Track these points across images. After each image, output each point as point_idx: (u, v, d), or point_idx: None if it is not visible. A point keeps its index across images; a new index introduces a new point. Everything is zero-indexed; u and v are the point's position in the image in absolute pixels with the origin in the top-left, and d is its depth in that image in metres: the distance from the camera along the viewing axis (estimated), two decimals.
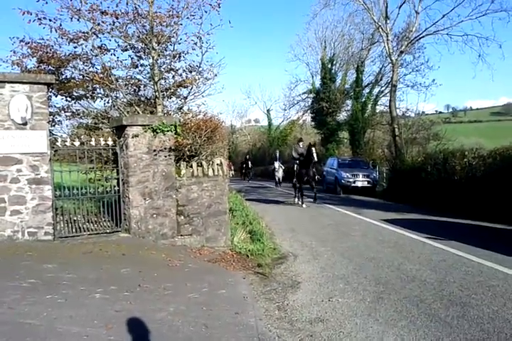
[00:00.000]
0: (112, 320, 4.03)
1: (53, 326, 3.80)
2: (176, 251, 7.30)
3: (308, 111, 33.47)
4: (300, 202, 15.13)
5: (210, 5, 8.47)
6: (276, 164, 25.27)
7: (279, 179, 24.70)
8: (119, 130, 7.82)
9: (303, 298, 5.24)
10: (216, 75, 9.19)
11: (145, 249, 6.99)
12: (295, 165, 15.45)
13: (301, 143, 15.63)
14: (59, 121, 9.72)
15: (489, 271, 6.03)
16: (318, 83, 31.65)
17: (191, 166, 8.11)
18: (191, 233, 8.05)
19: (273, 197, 18.98)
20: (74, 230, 7.64)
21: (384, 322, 4.34)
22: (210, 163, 8.33)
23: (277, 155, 26.69)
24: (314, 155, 14.04)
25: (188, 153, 8.06)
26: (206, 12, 8.56)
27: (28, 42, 8.73)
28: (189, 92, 9.31)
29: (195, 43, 9.21)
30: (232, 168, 27.14)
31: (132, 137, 7.47)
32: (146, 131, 7.53)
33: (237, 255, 7.60)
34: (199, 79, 9.28)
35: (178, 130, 7.80)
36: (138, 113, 9.37)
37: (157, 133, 7.56)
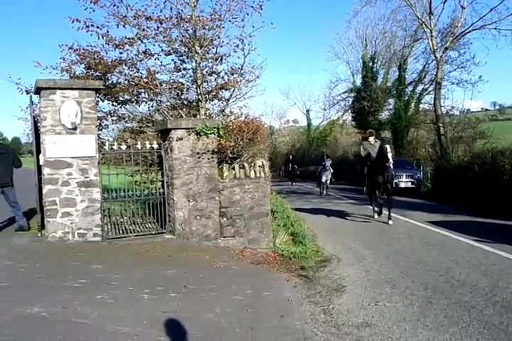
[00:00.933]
0: (161, 320, 4.11)
1: (104, 326, 3.92)
2: (219, 252, 7.38)
3: (349, 111, 33.02)
4: (377, 215, 11.76)
5: (252, 7, 8.51)
6: (328, 163, 20.20)
7: (325, 183, 19.86)
8: (164, 133, 7.98)
9: (348, 302, 5.18)
10: (258, 77, 9.24)
11: (189, 250, 7.10)
12: (364, 168, 11.96)
13: (371, 139, 11.79)
14: (106, 125, 10.00)
15: None
16: (359, 82, 31.20)
17: (233, 168, 8.16)
18: (234, 235, 8.11)
19: (334, 206, 15.16)
20: (121, 232, 7.85)
21: (434, 328, 4.23)
22: (252, 164, 8.36)
23: (325, 153, 21.60)
24: (389, 155, 10.59)
25: (230, 155, 8.12)
26: (248, 14, 8.61)
27: (77, 49, 9.02)
28: (231, 95, 9.39)
29: (237, 45, 9.27)
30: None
31: (177, 140, 7.60)
32: (189, 134, 7.65)
33: (279, 257, 7.59)
34: (241, 81, 9.32)
35: (220, 132, 7.87)
36: (181, 116, 9.51)
37: (200, 136, 7.66)
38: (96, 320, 4.02)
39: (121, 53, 9.46)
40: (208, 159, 7.80)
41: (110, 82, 9.75)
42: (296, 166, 31.79)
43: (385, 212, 11.25)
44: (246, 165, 8.24)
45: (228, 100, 9.48)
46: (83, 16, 8.72)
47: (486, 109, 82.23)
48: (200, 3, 8.85)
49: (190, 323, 4.14)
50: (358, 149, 31.68)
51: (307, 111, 44.22)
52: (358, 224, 10.95)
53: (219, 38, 9.23)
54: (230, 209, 8.07)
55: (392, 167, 10.99)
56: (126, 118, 10.17)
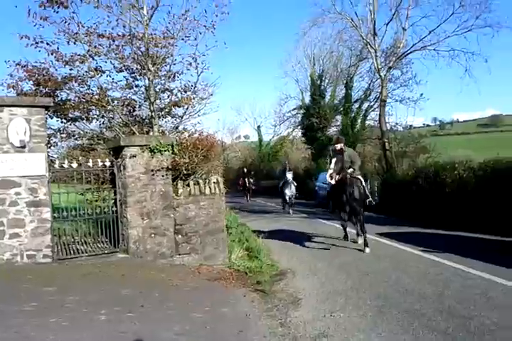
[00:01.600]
0: None
1: None
2: (175, 270, 7.33)
3: (299, 127, 33.75)
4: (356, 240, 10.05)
5: (205, 26, 8.67)
6: (289, 176, 18.39)
7: (291, 198, 18.30)
8: (117, 151, 7.90)
9: (305, 314, 5.30)
10: (212, 95, 9.36)
11: (144, 269, 7.01)
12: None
13: (339, 145, 9.19)
14: (54, 142, 9.77)
15: (487, 282, 6.13)
16: (307, 99, 32.00)
17: (188, 185, 8.19)
18: (189, 252, 8.09)
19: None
20: (72, 252, 7.63)
21: (387, 336, 4.41)
22: (207, 181, 8.42)
23: (288, 165, 19.72)
24: (357, 163, 9.35)
25: (184, 172, 8.13)
26: (201, 33, 8.76)
27: (24, 66, 8.83)
28: (185, 112, 9.45)
29: (190, 64, 9.39)
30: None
31: (130, 157, 7.55)
32: (143, 152, 7.62)
33: (235, 272, 7.63)
34: (194, 98, 9.41)
35: (175, 149, 7.91)
36: (133, 133, 9.46)
37: (154, 153, 7.65)
38: None
39: (71, 70, 9.37)
40: (163, 176, 7.78)
41: (59, 98, 9.58)
42: (251, 180, 28.79)
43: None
44: (201, 181, 8.28)
45: (182, 117, 9.54)
46: (31, 32, 8.61)
47: (428, 125, 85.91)
48: (152, 21, 8.91)
49: None
50: (309, 164, 32.48)
51: (258, 127, 44.75)
52: (312, 239, 11.16)
53: (172, 55, 9.31)
54: (185, 226, 8.06)
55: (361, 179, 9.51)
56: (76, 136, 9.98)
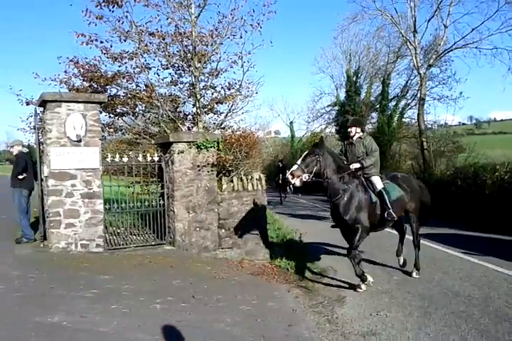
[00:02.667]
0: (177, 329, 4.27)
1: (125, 334, 4.06)
2: (219, 263, 7.56)
3: (333, 124, 33.60)
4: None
5: (251, 25, 8.81)
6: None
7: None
8: (165, 146, 8.15)
9: (350, 312, 5.41)
10: (257, 93, 9.50)
11: (190, 261, 7.26)
12: None
13: (353, 130, 6.91)
14: (103, 136, 10.11)
15: None
16: (342, 96, 31.78)
17: (232, 181, 8.38)
18: (231, 246, 8.31)
19: None
20: (121, 243, 7.96)
21: (435, 336, 4.49)
22: (250, 177, 8.59)
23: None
24: (371, 158, 6.66)
25: (229, 168, 8.34)
26: (246, 32, 8.90)
27: (76, 62, 9.18)
28: (229, 109, 9.63)
29: (234, 62, 9.56)
30: None
31: (178, 153, 7.79)
32: (190, 148, 7.85)
33: (277, 268, 7.79)
34: (237, 96, 9.58)
35: (220, 146, 8.11)
36: (177, 129, 9.72)
37: (201, 149, 7.88)
38: (116, 328, 4.16)
39: (119, 67, 9.68)
40: (208, 172, 8.00)
41: (108, 94, 9.91)
42: None
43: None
44: (244, 177, 8.46)
45: (227, 114, 9.73)
46: (82, 30, 8.93)
47: (464, 123, 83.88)
48: (200, 19, 9.12)
49: (205, 332, 4.31)
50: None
51: (291, 122, 44.74)
52: None
53: (217, 53, 9.49)
54: (228, 220, 8.28)
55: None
56: (123, 130, 10.31)
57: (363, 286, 6.29)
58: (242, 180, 8.43)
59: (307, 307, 5.67)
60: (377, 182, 6.62)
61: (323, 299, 5.99)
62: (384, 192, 6.53)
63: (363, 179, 6.60)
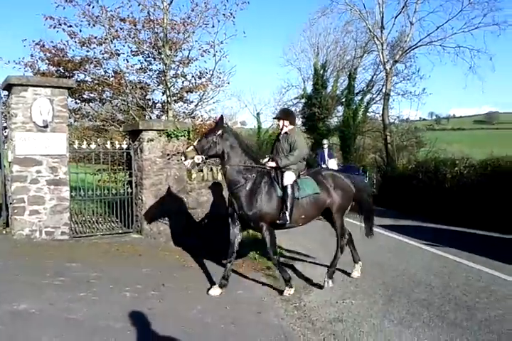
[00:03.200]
0: (148, 316, 4.29)
1: (95, 322, 4.04)
2: (188, 252, 7.55)
3: (299, 116, 33.84)
4: None
5: (224, 15, 8.77)
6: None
7: None
8: (134, 134, 8.05)
9: (317, 300, 5.53)
10: (229, 83, 9.48)
11: (158, 249, 7.25)
12: None
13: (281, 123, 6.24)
14: (69, 122, 9.88)
15: (488, 276, 6.40)
16: (309, 88, 32.02)
17: (201, 170, 8.38)
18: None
19: None
20: (87, 230, 7.85)
21: (399, 323, 4.67)
22: (220, 167, 8.59)
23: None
24: (294, 154, 5.89)
25: None
26: (219, 21, 8.86)
27: (43, 46, 8.90)
28: (200, 98, 9.58)
29: (205, 51, 9.50)
30: None
31: (147, 141, 7.72)
32: (160, 136, 7.79)
33: (244, 257, 7.85)
34: (208, 85, 9.54)
35: (191, 135, 8.08)
36: (147, 117, 9.60)
37: (171, 138, 7.83)
38: (85, 316, 4.14)
39: (87, 52, 9.45)
40: (178, 161, 7.96)
41: (75, 79, 9.67)
42: None
43: None
44: (214, 168, 8.47)
45: (197, 103, 9.68)
46: (49, 13, 8.68)
47: (424, 119, 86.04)
48: (172, 7, 9.00)
49: (177, 320, 4.35)
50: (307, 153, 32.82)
51: (258, 114, 44.65)
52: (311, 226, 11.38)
53: (188, 42, 9.41)
54: (197, 210, 8.27)
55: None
56: (90, 117, 10.10)
57: (291, 291, 5.68)
58: (212, 169, 8.43)
59: (275, 295, 5.76)
60: (287, 177, 5.67)
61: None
62: (290, 188, 5.58)
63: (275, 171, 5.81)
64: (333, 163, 12.94)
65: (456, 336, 4.30)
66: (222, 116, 6.11)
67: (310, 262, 7.55)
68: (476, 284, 6.02)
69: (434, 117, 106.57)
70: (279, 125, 6.16)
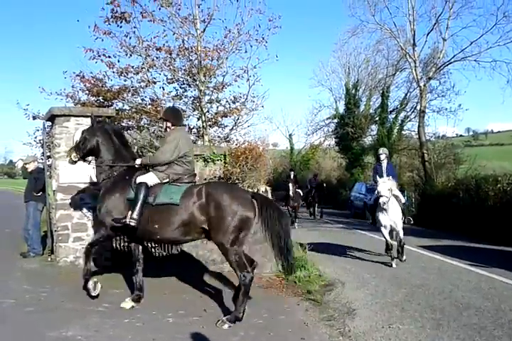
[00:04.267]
0: None
1: None
2: (227, 277, 7.53)
3: (332, 136, 33.75)
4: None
5: (256, 40, 8.94)
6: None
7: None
8: None
9: (362, 325, 5.38)
10: (263, 106, 9.59)
11: (197, 274, 7.24)
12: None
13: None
14: None
15: None
16: (342, 108, 32.05)
17: None
18: None
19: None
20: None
21: None
22: (256, 190, 8.61)
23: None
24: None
25: (235, 181, 8.36)
26: (252, 46, 9.03)
27: (83, 77, 9.28)
28: (235, 123, 9.71)
29: (238, 76, 9.67)
30: None
31: None
32: (197, 161, 7.88)
33: (284, 281, 7.76)
34: (242, 109, 9.66)
35: (227, 159, 8.15)
36: None
37: (208, 162, 7.93)
38: None
39: (125, 81, 9.77)
40: None
41: (113, 108, 9.99)
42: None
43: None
44: (250, 191, 8.48)
45: (232, 128, 9.81)
46: (87, 45, 9.07)
47: (461, 135, 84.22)
48: (206, 35, 9.26)
49: None
50: (342, 174, 32.47)
51: (290, 135, 44.81)
52: (355, 250, 11.20)
53: (222, 68, 9.61)
54: None
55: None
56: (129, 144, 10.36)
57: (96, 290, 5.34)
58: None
59: (318, 320, 5.63)
60: (144, 176, 5.26)
61: (333, 312, 5.95)
62: (141, 189, 5.10)
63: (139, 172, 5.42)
64: (389, 184, 8.76)
65: None
66: (92, 114, 6.05)
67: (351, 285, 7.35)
68: None
69: (471, 133, 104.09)
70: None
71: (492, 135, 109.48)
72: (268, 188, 8.77)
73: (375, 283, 7.47)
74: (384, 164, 9.73)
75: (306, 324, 5.36)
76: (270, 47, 9.02)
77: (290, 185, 16.09)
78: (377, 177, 9.00)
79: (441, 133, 26.94)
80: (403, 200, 9.57)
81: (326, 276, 8.16)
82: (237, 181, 8.46)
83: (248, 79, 9.22)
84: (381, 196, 8.45)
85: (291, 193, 15.91)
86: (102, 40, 8.81)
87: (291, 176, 17.09)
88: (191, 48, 9.12)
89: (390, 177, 9.02)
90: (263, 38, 9.02)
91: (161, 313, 5.10)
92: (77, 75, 9.31)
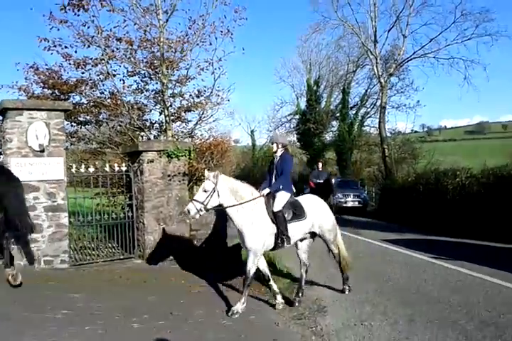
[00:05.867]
0: None
1: None
2: (193, 276, 7.28)
3: (294, 132, 33.84)
4: None
5: (221, 32, 8.67)
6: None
7: None
8: (133, 155, 7.85)
9: (334, 322, 5.25)
10: (229, 100, 9.33)
11: (163, 274, 6.96)
12: None
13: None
14: (66, 146, 9.68)
15: (506, 290, 6.17)
16: (303, 104, 32.19)
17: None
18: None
19: None
20: (87, 257, 7.56)
21: None
22: None
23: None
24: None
25: (201, 177, 8.11)
26: (217, 38, 8.75)
27: (37, 69, 8.76)
28: (200, 117, 9.41)
29: (202, 69, 9.37)
30: None
31: (147, 162, 7.51)
32: (161, 157, 7.60)
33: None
34: (207, 103, 9.38)
35: (192, 155, 7.88)
36: (144, 138, 9.42)
37: (172, 158, 7.63)
38: None
39: (83, 73, 9.30)
40: (179, 181, 7.76)
41: (70, 101, 9.50)
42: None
43: None
44: None
45: (197, 122, 9.51)
46: (41, 34, 8.55)
47: (416, 131, 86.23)
48: (169, 26, 8.91)
49: None
50: (303, 170, 32.52)
51: (252, 131, 44.71)
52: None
53: (185, 60, 9.29)
54: (200, 231, 8.02)
55: None
56: (86, 140, 9.90)
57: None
58: None
59: (289, 319, 5.48)
60: None
61: (303, 310, 5.81)
62: None
63: None
64: None
65: None
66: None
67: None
68: (497, 299, 5.78)
69: (425, 129, 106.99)
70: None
71: (445, 131, 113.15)
72: None
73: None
74: None
75: (277, 324, 5.21)
76: (237, 40, 8.77)
77: None
78: None
79: (399, 130, 27.45)
80: None
81: (293, 273, 8.03)
82: (202, 177, 8.20)
83: (213, 72, 8.94)
84: None
85: None
86: (58, 29, 8.32)
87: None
88: (153, 39, 8.74)
89: None
90: (228, 30, 8.76)
91: (125, 318, 4.81)
92: (31, 67, 8.77)
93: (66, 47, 8.32)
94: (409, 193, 16.28)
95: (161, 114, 9.68)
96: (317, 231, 6.23)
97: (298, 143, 33.58)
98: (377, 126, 22.42)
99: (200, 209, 5.36)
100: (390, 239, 11.61)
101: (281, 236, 5.66)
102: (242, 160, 48.80)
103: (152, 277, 6.70)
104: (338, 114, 29.39)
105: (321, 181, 13.32)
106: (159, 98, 9.42)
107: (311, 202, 6.31)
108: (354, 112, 28.90)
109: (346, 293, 6.35)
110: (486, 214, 11.81)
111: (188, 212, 5.38)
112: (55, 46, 8.20)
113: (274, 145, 6.26)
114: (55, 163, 6.85)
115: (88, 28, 8.08)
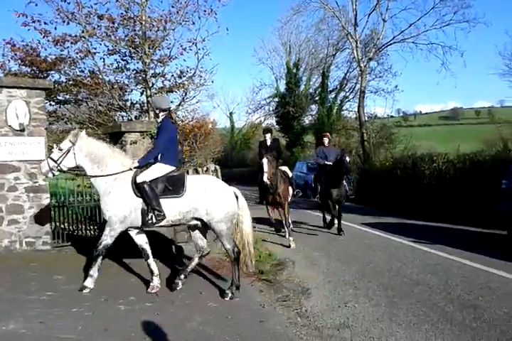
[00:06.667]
0: (147, 331, 4.03)
1: (93, 340, 3.76)
2: (176, 258, 7.28)
3: (273, 115, 33.77)
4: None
5: (205, 11, 8.51)
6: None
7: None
8: (115, 136, 7.71)
9: (318, 304, 5.35)
10: (212, 82, 9.21)
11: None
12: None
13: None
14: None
15: (484, 273, 6.36)
16: (283, 87, 32.04)
17: (187, 172, 8.08)
18: (187, 240, 8.02)
19: None
20: (69, 239, 7.46)
21: (407, 326, 4.53)
22: (205, 169, 8.35)
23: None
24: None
25: (184, 159, 8.04)
26: (200, 18, 8.59)
27: (14, 45, 8.45)
28: (182, 98, 9.27)
29: (185, 49, 9.21)
30: None
31: (130, 144, 7.40)
32: (144, 138, 7.48)
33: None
34: (189, 84, 9.25)
35: None
36: (125, 119, 9.26)
37: (155, 139, 7.50)
38: (82, 334, 3.85)
39: (61, 51, 9.03)
40: None
41: (49, 80, 9.22)
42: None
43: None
44: (199, 169, 8.21)
45: (180, 103, 9.36)
46: (21, 10, 8.22)
47: (392, 116, 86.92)
48: (151, 4, 8.69)
49: (178, 333, 4.10)
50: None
51: (230, 113, 44.36)
52: (302, 229, 11.26)
53: (167, 40, 9.10)
54: None
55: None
56: (66, 119, 9.67)
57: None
58: (197, 171, 8.16)
59: (274, 301, 5.56)
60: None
61: (288, 292, 5.90)
62: None
63: None
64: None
65: (468, 338, 4.19)
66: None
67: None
68: (475, 282, 5.96)
69: (401, 114, 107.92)
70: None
71: (420, 116, 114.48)
72: (218, 167, 8.51)
73: (325, 262, 7.51)
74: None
75: (263, 305, 5.25)
76: (220, 20, 8.61)
77: (264, 161, 8.38)
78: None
79: (377, 114, 27.64)
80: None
81: (276, 256, 8.12)
82: (185, 159, 8.15)
83: (197, 53, 8.79)
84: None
85: (266, 178, 8.37)
86: (36, 4, 8.03)
87: (268, 142, 9.26)
88: (135, 17, 8.51)
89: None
90: (212, 10, 8.59)
91: (111, 300, 4.80)
92: (8, 43, 8.46)
93: (46, 23, 8.05)
94: (387, 178, 16.50)
95: (142, 94, 9.51)
96: (204, 218, 5.34)
97: (277, 126, 33.55)
98: (355, 110, 22.52)
99: (53, 168, 5.14)
100: (368, 222, 11.80)
101: (152, 211, 5.12)
102: (221, 142, 48.60)
103: (137, 258, 6.65)
104: (317, 98, 29.39)
105: (330, 163, 9.68)
106: (140, 78, 9.24)
107: (202, 182, 5.48)
108: (333, 96, 28.94)
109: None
110: (462, 198, 12.08)
111: (41, 169, 5.22)
112: (33, 22, 7.92)
113: (157, 111, 5.51)
114: (36, 143, 6.69)
115: (68, 3, 7.84)
